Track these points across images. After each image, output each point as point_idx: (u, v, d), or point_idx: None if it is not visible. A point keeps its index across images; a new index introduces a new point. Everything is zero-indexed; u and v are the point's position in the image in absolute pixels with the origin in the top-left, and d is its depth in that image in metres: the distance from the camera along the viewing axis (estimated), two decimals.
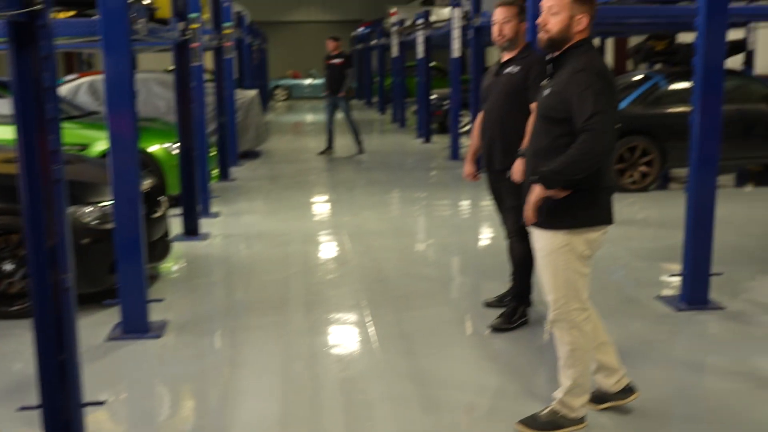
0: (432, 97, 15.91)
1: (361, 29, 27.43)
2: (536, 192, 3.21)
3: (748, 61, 12.17)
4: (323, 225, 8.09)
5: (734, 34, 11.58)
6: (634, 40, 19.61)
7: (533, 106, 4.48)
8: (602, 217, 3.32)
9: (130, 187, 4.61)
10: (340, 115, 13.64)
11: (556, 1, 3.19)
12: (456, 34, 11.65)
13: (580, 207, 3.24)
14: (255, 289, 5.82)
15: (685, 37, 14.58)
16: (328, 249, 7.12)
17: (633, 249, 6.71)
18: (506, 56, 4.68)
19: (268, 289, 5.78)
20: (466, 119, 15.07)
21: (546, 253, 3.33)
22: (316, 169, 12.15)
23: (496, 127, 4.67)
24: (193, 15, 7.31)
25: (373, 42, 24.33)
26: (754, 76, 10.31)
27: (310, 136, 17.27)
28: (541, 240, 3.35)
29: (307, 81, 31.12)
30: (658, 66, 13.97)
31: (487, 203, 9.16)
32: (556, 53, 3.26)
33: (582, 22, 3.19)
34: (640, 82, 9.74)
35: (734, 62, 11.92)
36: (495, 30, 4.63)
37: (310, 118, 22.72)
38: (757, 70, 12.80)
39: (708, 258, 5.07)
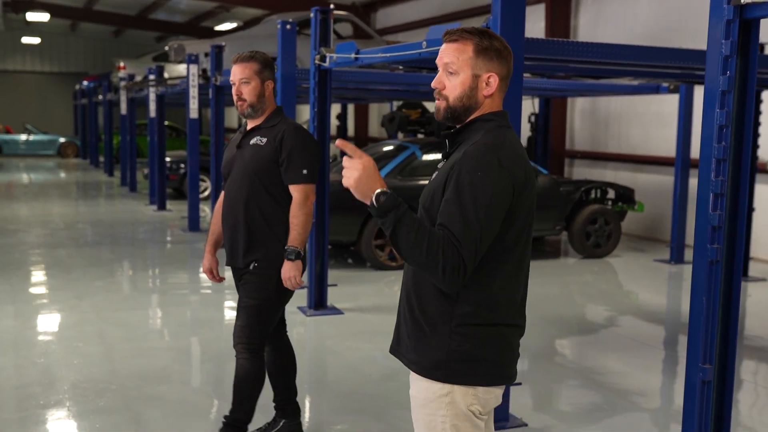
0: (167, 159, 14.46)
1: (86, 83, 25.28)
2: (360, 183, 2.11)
3: None
4: (22, 327, 6.35)
5: None
6: (376, 108, 19.67)
7: (294, 188, 3.59)
8: (503, 370, 2.30)
9: None
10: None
11: (453, 56, 2.25)
12: (193, 93, 10.48)
13: (474, 354, 2.23)
14: None
15: (432, 107, 14.61)
16: (20, 367, 5.42)
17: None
18: (251, 123, 3.74)
19: None
20: (205, 184, 13.91)
21: (419, 404, 2.30)
22: (24, 244, 10.16)
23: (239, 214, 3.67)
24: None
25: (100, 97, 22.30)
26: None
27: (22, 200, 14.97)
28: (415, 385, 2.32)
29: (23, 137, 27.99)
30: (401, 135, 13.80)
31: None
32: (456, 127, 2.31)
33: (491, 83, 2.26)
34: (396, 152, 9.20)
35: None
36: (233, 92, 3.67)
37: (25, 178, 20.05)
38: None
39: None
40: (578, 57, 4.52)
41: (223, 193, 3.85)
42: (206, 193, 13.92)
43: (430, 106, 14.21)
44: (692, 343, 2.94)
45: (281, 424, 3.99)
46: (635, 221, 11.49)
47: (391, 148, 9.49)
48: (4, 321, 6.39)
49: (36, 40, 30.99)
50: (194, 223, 11.30)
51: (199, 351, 5.93)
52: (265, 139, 3.66)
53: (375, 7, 19.96)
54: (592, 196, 10.15)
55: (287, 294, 3.74)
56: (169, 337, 6.27)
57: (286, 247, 3.57)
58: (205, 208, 13.04)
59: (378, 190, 2.09)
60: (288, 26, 7.09)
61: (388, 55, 5.19)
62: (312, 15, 6.46)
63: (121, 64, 19.35)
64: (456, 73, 2.25)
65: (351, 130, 20.22)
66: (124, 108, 17.11)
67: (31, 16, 23.44)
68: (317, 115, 6.58)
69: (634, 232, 11.64)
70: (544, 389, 5.18)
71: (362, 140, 19.78)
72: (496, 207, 2.12)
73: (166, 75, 14.01)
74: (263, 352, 3.75)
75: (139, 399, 4.68)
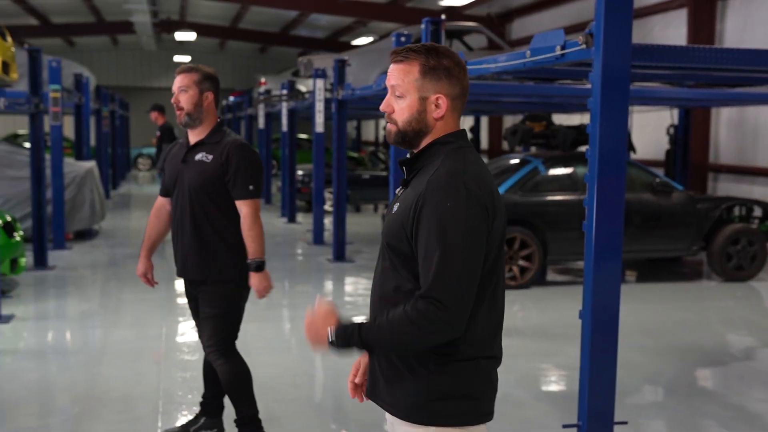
0: (299, 172, 14.71)
1: (231, 98, 26.30)
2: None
3: (629, 147, 11.61)
4: (156, 336, 6.50)
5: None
6: (511, 120, 19.27)
7: (243, 203, 3.72)
8: (484, 406, 2.19)
9: None
10: None
11: (399, 79, 2.16)
12: (319, 107, 10.56)
13: (454, 392, 2.13)
14: None
15: (559, 119, 14.11)
16: (149, 374, 5.52)
17: (517, 372, 5.54)
18: (193, 137, 3.78)
19: None
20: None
21: None
22: (165, 254, 10.54)
23: (189, 228, 3.77)
24: None
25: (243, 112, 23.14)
26: (634, 162, 9.65)
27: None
28: (395, 430, 2.22)
29: None
30: (533, 149, 13.34)
31: (351, 297, 7.93)
32: (414, 152, 2.23)
33: (441, 105, 2.15)
34: (518, 166, 8.85)
35: None
36: (173, 102, 3.82)
37: None
38: (637, 155, 12.29)
39: (611, 402, 3.95)
40: (695, 64, 4.09)
41: (158, 202, 4.02)
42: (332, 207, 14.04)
43: (558, 119, 13.71)
44: None
45: (202, 421, 4.16)
46: None
47: (514, 162, 9.16)
48: (131, 331, 6.60)
49: (187, 59, 32.61)
50: (319, 236, 11.38)
51: (293, 367, 5.86)
52: (211, 156, 3.72)
53: (511, 17, 19.59)
54: (736, 214, 9.37)
55: (245, 295, 3.92)
56: (286, 355, 6.25)
57: (249, 261, 3.73)
58: (329, 222, 13.13)
59: (329, 327, 2.11)
60: (402, 38, 6.97)
61: (493, 66, 4.93)
62: (423, 26, 6.31)
63: (263, 80, 19.97)
64: (403, 96, 2.15)
65: (484, 142, 19.90)
66: (261, 122, 17.61)
67: (180, 36, 24.65)
68: None
69: None
70: (680, 423, 4.76)
71: (495, 152, 19.41)
72: (474, 244, 2.04)
73: (303, 89, 14.26)
74: (235, 350, 3.89)
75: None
